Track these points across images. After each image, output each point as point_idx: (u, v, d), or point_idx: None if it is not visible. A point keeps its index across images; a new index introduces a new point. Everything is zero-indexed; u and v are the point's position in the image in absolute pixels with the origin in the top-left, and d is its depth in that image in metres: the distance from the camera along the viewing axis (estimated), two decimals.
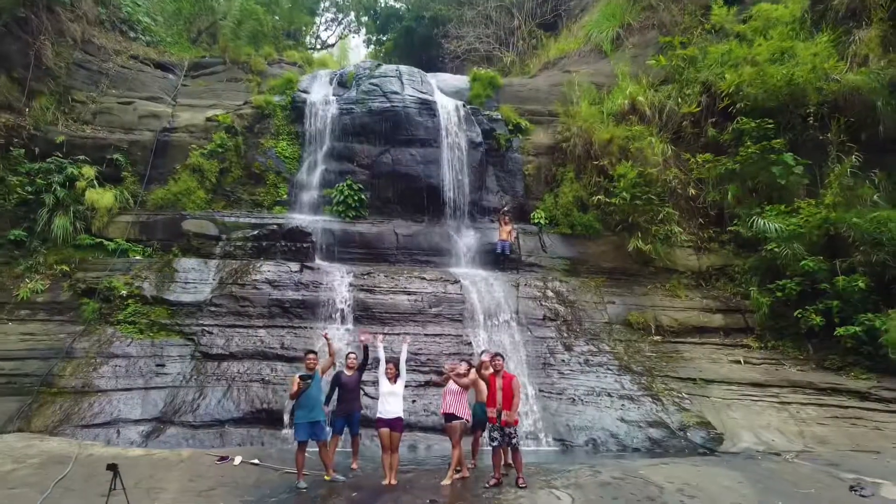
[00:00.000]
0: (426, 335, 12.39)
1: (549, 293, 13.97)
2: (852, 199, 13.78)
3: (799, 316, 12.84)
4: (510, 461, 7.97)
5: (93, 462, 8.06)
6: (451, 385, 8.28)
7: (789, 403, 11.39)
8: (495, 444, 7.80)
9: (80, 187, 14.01)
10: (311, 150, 16.58)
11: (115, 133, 15.68)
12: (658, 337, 13.55)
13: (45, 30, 15.67)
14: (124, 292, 12.41)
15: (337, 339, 11.51)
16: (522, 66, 24.31)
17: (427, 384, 11.33)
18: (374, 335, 9.18)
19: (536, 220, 15.95)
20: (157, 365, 11.34)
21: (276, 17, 26.57)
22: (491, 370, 8.16)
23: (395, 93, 16.96)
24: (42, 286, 12.59)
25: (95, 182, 14.29)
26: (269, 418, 10.64)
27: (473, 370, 8.45)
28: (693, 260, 15.34)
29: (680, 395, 11.83)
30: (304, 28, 31.84)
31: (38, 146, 14.50)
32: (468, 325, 12.76)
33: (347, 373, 8.74)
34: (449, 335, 12.48)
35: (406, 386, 8.69)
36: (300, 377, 7.93)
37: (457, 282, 13.65)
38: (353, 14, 35.84)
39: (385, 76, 17.80)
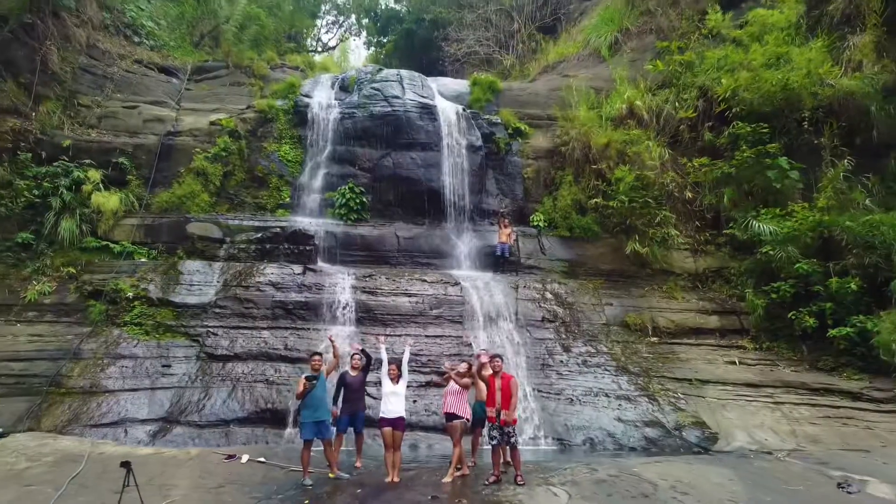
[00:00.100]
0: (427, 337, 12.60)
1: (548, 295, 14.19)
2: (846, 202, 13.99)
3: (793, 318, 13.00)
4: (509, 459, 8.18)
5: (105, 460, 8.27)
6: (452, 386, 8.51)
7: (783, 403, 11.60)
8: (494, 442, 8.02)
9: (86, 191, 14.25)
10: (314, 153, 16.78)
11: (120, 137, 15.89)
12: (655, 338, 13.75)
13: (51, 35, 15.87)
14: (130, 294, 12.64)
15: (339, 340, 11.69)
16: (522, 69, 24.50)
17: (428, 385, 11.54)
18: (378, 337, 9.39)
19: (535, 223, 16.15)
20: (164, 366, 11.55)
21: (279, 20, 26.71)
22: (490, 371, 8.39)
23: (396, 97, 17.16)
24: (49, 288, 12.82)
25: (101, 185, 14.53)
26: (273, 418, 10.85)
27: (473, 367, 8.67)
28: (689, 262, 15.53)
29: (676, 395, 12.04)
30: (305, 31, 32.04)
31: (45, 150, 14.75)
32: (468, 327, 12.96)
33: (352, 373, 8.94)
34: (449, 337, 12.68)
35: (407, 386, 8.91)
36: (306, 378, 8.19)
37: (457, 284, 13.87)
38: (353, 17, 36.10)
39: (386, 80, 17.99)
